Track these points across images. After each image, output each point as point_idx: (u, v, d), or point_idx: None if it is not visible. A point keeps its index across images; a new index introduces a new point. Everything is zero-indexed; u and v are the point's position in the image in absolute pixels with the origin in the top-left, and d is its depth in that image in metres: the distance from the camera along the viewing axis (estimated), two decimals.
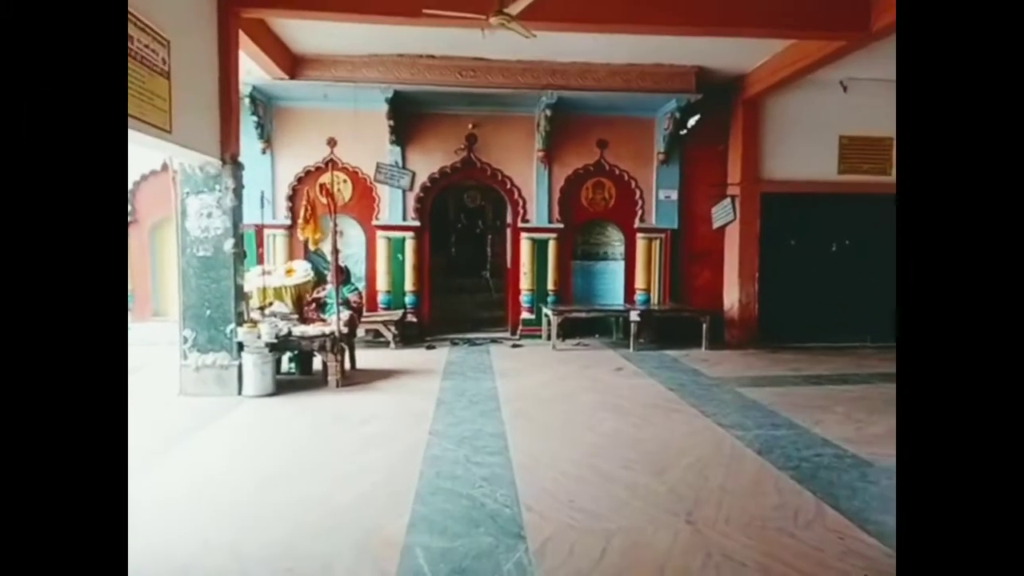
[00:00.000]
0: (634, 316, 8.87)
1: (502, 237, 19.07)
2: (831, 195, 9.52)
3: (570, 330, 9.57)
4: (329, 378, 6.64)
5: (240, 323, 6.34)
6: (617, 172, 9.91)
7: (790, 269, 9.70)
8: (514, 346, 9.24)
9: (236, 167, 6.41)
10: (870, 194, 9.42)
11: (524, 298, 9.97)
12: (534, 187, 9.84)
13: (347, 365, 7.40)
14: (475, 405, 5.93)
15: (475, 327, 10.93)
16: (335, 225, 6.83)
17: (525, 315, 9.98)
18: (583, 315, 9.11)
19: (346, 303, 7.43)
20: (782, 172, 9.52)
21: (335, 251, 6.76)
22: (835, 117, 9.50)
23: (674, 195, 9.93)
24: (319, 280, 8.10)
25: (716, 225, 9.95)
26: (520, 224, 9.88)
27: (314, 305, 7.45)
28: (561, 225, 9.85)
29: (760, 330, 9.62)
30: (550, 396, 6.31)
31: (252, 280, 7.16)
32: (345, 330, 6.97)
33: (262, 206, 6.98)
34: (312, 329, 6.72)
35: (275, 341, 6.34)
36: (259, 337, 6.29)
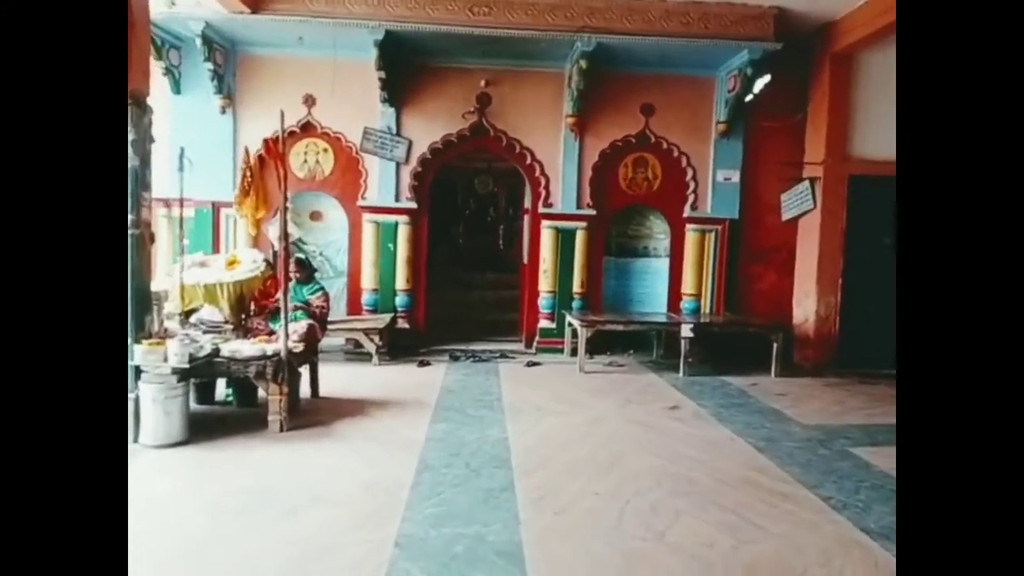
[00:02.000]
0: (687, 331, 6.73)
1: (518, 226, 17.01)
2: None
3: (599, 343, 7.45)
4: (270, 419, 4.57)
5: (140, 339, 4.28)
6: (665, 146, 7.73)
7: (882, 275, 7.48)
8: (530, 364, 7.14)
9: (139, 111, 4.33)
10: None
11: (543, 302, 7.85)
12: (560, 162, 7.69)
13: (306, 392, 5.34)
14: (475, 477, 3.84)
15: (482, 334, 8.84)
16: (284, 200, 4.74)
17: (544, 323, 7.87)
18: (620, 327, 6.98)
19: (306, 309, 5.36)
20: (878, 150, 7.30)
21: (284, 237, 4.67)
22: None
23: (735, 176, 7.75)
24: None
25: (787, 216, 7.76)
26: (541, 209, 7.75)
27: (263, 311, 5.38)
28: (593, 212, 7.71)
29: (839, 351, 7.46)
30: (586, 459, 4.21)
31: (174, 275, 5.10)
32: (298, 347, 4.90)
33: (180, 168, 4.93)
34: (249, 347, 4.65)
35: (188, 365, 4.27)
36: (164, 360, 4.23)
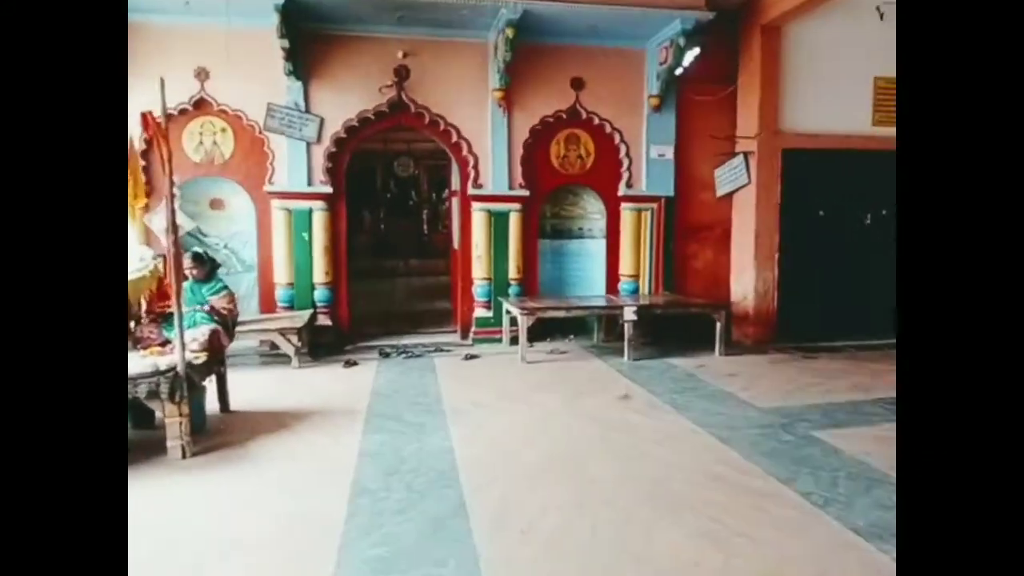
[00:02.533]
0: (630, 314, 6.39)
1: (443, 210, 16.28)
2: (864, 153, 7.29)
3: (539, 330, 7.02)
4: (169, 444, 3.83)
5: None
6: (596, 121, 7.33)
7: (818, 248, 7.45)
8: (468, 357, 6.60)
9: None
10: None
11: (478, 290, 7.32)
12: (489, 140, 7.14)
13: (214, 407, 4.60)
14: (420, 500, 3.29)
15: (413, 326, 8.22)
16: (171, 186, 3.93)
17: (480, 312, 7.35)
18: (562, 314, 6.55)
19: (207, 312, 4.58)
20: (807, 123, 7.22)
21: (172, 229, 3.88)
22: (870, 54, 7.23)
23: (669, 152, 7.46)
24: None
25: (722, 191, 7.57)
26: (472, 191, 7.18)
27: (155, 317, 4.55)
28: (526, 192, 7.22)
29: (779, 326, 7.38)
30: (542, 466, 3.74)
31: None
32: (200, 358, 4.15)
33: None
34: (138, 362, 3.85)
35: None
36: None
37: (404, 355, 6.68)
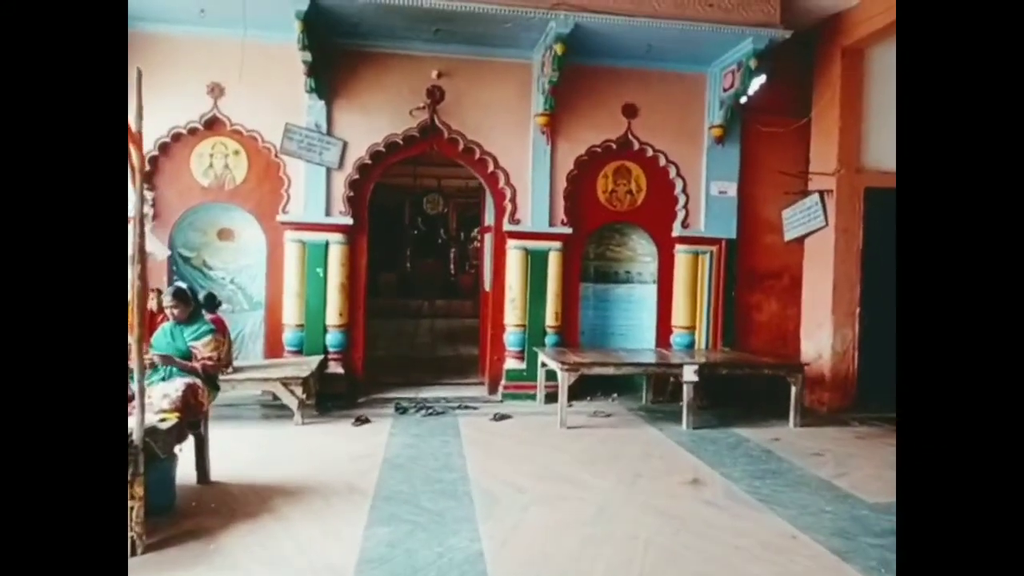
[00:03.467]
0: (690, 374, 5.36)
1: (471, 250, 15.43)
2: None
3: (579, 387, 5.97)
4: (131, 533, 2.89)
5: None
6: (650, 153, 6.45)
7: None
8: (498, 417, 5.59)
9: None
10: None
11: (510, 338, 6.36)
12: (529, 171, 6.29)
13: (190, 477, 3.66)
14: None
15: (434, 374, 7.26)
16: (140, 200, 3.05)
17: (511, 363, 6.37)
18: (610, 371, 5.53)
19: (182, 365, 3.67)
20: (890, 160, 6.23)
21: (140, 255, 2.99)
22: None
23: (732, 189, 6.53)
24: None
25: (792, 235, 6.58)
26: (507, 227, 6.30)
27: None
28: (568, 230, 6.32)
29: (860, 392, 6.25)
30: None
31: None
32: (168, 421, 3.23)
33: None
34: None
35: None
36: None
37: (424, 411, 5.70)
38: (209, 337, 3.72)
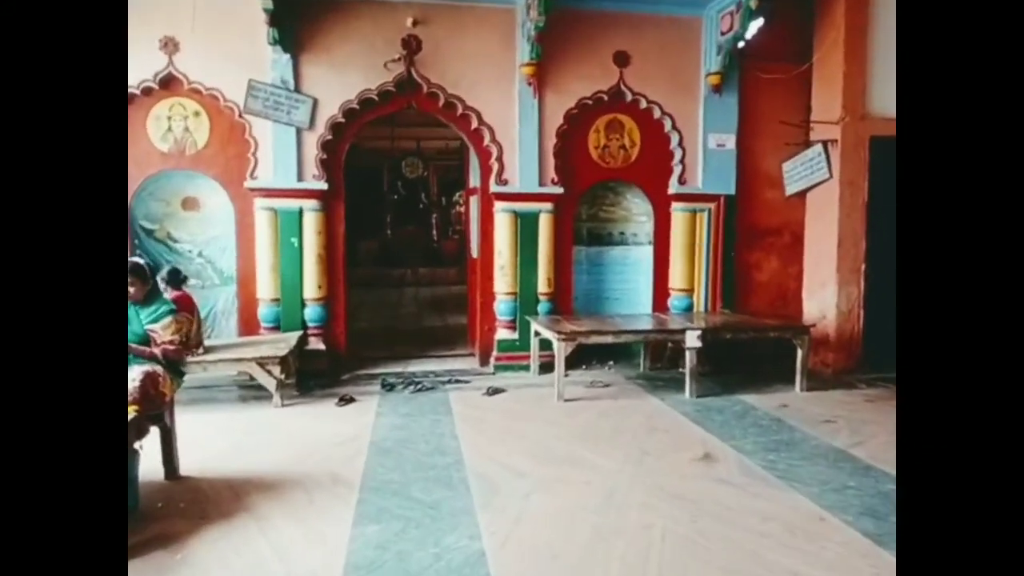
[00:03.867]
0: (693, 340, 5.04)
1: (460, 214, 14.81)
2: None
3: (575, 355, 5.65)
4: None
5: None
6: (643, 105, 6.01)
7: None
8: (491, 392, 5.26)
9: None
10: None
11: (501, 307, 5.99)
12: (516, 127, 5.82)
13: (157, 473, 3.29)
14: None
15: (422, 346, 6.90)
16: None
17: (503, 333, 6.01)
18: (609, 339, 5.19)
19: (138, 351, 3.25)
20: (890, 105, 5.84)
21: None
22: None
23: (730, 142, 6.13)
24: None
25: (793, 189, 6.23)
26: (495, 187, 5.86)
27: None
28: (560, 190, 5.90)
29: (865, 353, 6.00)
30: None
31: None
32: (127, 414, 2.84)
33: None
34: None
35: None
36: None
37: (412, 387, 5.35)
38: (169, 319, 3.30)
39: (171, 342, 3.30)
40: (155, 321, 3.27)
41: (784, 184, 6.26)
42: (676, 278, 6.19)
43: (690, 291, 6.19)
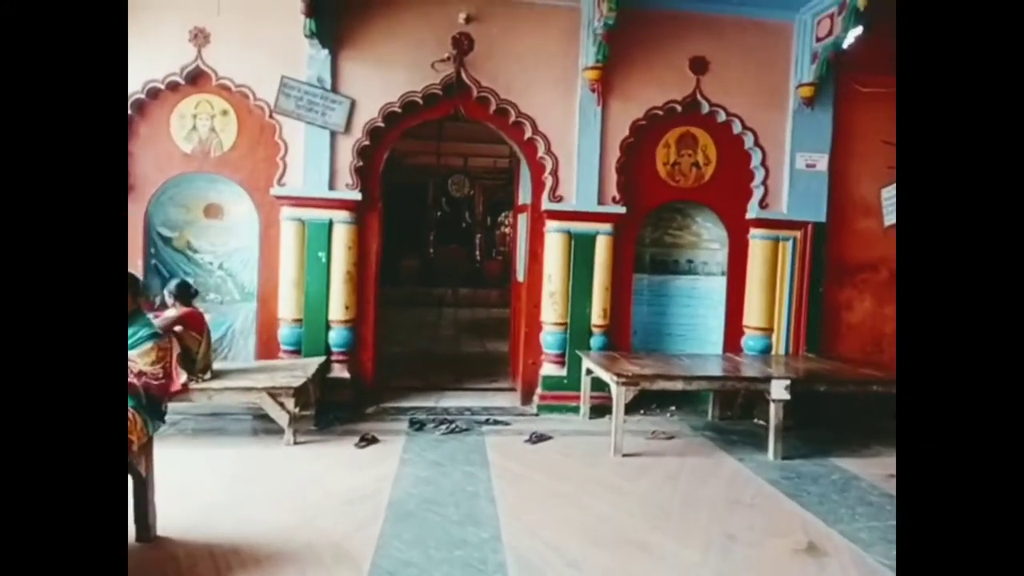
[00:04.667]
0: (780, 391, 4.19)
1: (505, 235, 14.21)
2: None
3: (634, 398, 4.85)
4: None
5: None
6: (722, 118, 5.25)
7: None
8: (535, 439, 4.48)
9: None
10: None
11: (549, 339, 5.24)
12: (575, 138, 5.13)
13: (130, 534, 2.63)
14: None
15: (458, 375, 6.19)
16: None
17: (549, 368, 5.26)
18: (680, 385, 4.37)
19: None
20: None
21: None
22: None
23: (822, 163, 5.30)
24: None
25: (894, 219, 5.34)
26: (548, 205, 5.16)
27: None
28: (621, 209, 5.16)
29: None
30: None
31: None
32: None
33: None
34: None
35: None
36: None
37: (444, 427, 4.62)
38: (149, 345, 2.67)
39: (154, 375, 2.67)
40: (133, 347, 2.64)
41: (883, 212, 5.37)
42: (752, 315, 5.34)
43: (769, 331, 5.33)
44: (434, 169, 12.78)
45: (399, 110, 5.01)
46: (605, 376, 4.39)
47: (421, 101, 5.03)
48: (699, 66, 5.18)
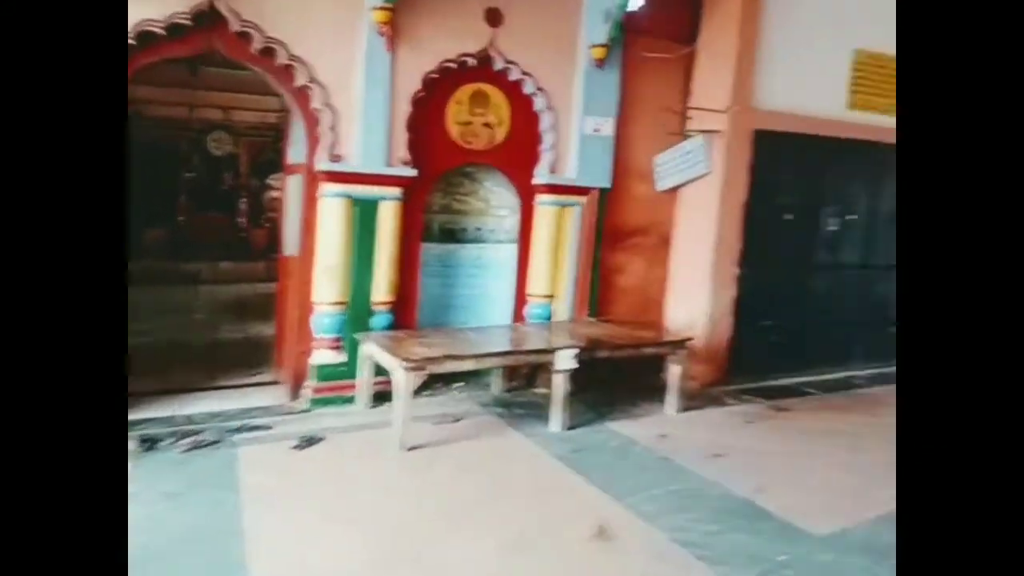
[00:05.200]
0: (568, 360, 4.14)
1: (272, 199, 12.63)
2: (836, 142, 5.75)
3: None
4: None
5: None
6: (515, 75, 4.98)
7: (780, 261, 5.80)
8: (304, 443, 3.84)
9: None
10: (885, 145, 5.87)
11: (323, 321, 4.58)
12: (360, 87, 4.47)
13: None
14: None
15: (210, 369, 5.25)
16: None
17: (323, 356, 4.61)
18: (471, 364, 4.07)
19: None
20: (778, 100, 5.48)
21: None
22: (850, 17, 5.70)
23: (608, 127, 5.36)
24: None
25: (667, 184, 5.61)
26: (325, 165, 4.43)
27: None
28: (412, 172, 4.67)
29: (733, 362, 5.59)
30: None
31: None
32: None
33: None
34: None
35: None
36: None
37: (187, 443, 3.77)
38: None
39: None
40: None
41: (655, 178, 5.65)
42: (537, 283, 5.27)
43: (550, 297, 5.32)
44: (187, 123, 11.02)
45: (134, 42, 3.88)
46: (390, 363, 3.94)
47: (163, 32, 3.95)
48: (494, 17, 4.83)
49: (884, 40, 5.70)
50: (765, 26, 5.29)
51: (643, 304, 5.81)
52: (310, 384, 4.57)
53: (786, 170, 5.61)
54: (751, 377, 5.58)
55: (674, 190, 5.68)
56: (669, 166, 5.55)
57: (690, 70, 5.54)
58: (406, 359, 3.72)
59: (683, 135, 5.50)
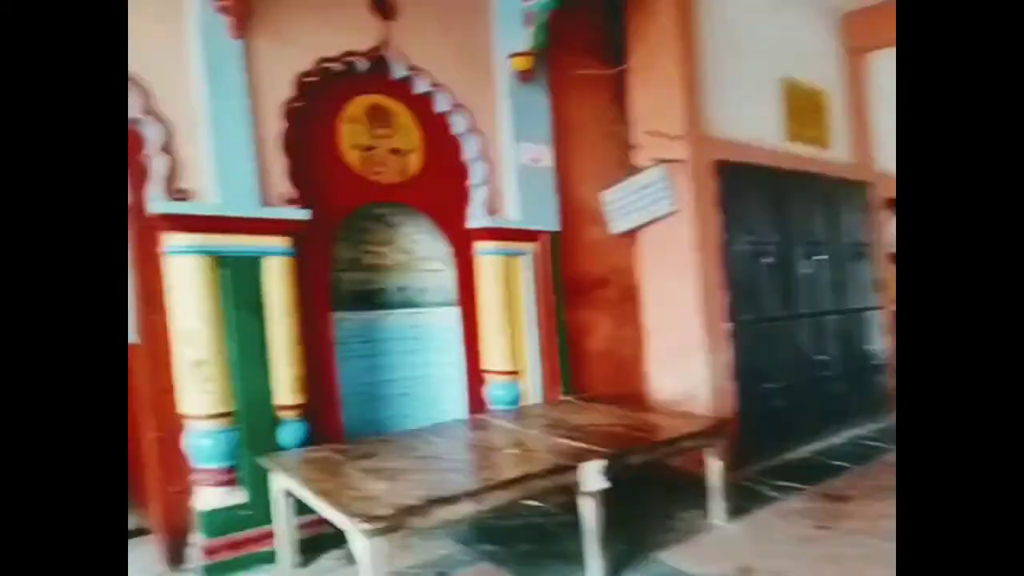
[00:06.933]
0: (596, 479, 3.03)
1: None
2: (792, 175, 5.54)
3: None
4: None
5: None
6: (423, 87, 4.13)
7: (769, 310, 5.32)
8: None
9: None
10: (830, 179, 5.85)
11: (203, 443, 3.11)
12: (200, 89, 3.30)
13: None
14: None
15: None
16: None
17: (210, 495, 3.13)
18: (468, 508, 2.71)
19: None
20: (726, 127, 5.09)
21: None
22: (778, 45, 5.71)
23: (546, 156, 4.66)
24: None
25: (624, 226, 4.98)
26: (162, 206, 3.13)
27: None
28: (301, 214, 3.50)
29: (744, 439, 4.83)
30: None
31: None
32: None
33: None
34: None
35: None
36: None
37: None
38: None
39: None
40: None
41: (608, 218, 5.02)
42: (494, 356, 4.26)
43: (516, 373, 4.33)
44: None
45: None
46: (334, 517, 2.62)
47: None
48: (384, 7, 4.01)
49: (808, 71, 5.81)
50: (703, 48, 5.01)
51: (616, 371, 5.00)
52: (198, 540, 3.03)
53: (751, 208, 5.20)
54: (764, 453, 4.91)
55: (632, 232, 5.07)
56: (624, 203, 4.95)
57: (622, 93, 5.10)
58: (364, 514, 2.43)
59: (633, 167, 4.97)
